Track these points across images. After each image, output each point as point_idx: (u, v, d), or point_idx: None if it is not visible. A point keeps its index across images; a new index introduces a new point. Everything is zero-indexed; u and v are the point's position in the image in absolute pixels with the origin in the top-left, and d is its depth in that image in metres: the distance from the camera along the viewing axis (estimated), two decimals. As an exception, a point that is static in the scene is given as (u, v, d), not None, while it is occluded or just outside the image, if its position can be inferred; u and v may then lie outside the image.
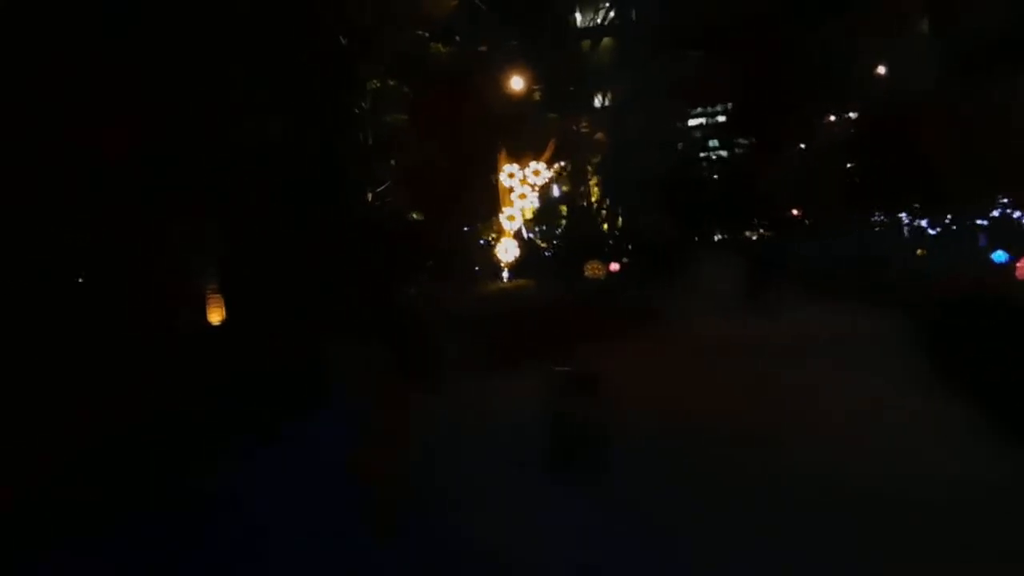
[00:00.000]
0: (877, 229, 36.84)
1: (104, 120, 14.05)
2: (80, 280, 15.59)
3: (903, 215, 36.98)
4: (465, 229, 21.40)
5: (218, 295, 16.29)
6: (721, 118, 78.47)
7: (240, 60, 17.29)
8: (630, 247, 32.80)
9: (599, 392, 8.46)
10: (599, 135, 30.67)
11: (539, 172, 19.91)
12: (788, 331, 14.50)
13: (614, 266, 26.12)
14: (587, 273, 23.73)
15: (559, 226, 31.80)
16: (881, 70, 33.56)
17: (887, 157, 33.95)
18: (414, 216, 21.05)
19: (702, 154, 63.97)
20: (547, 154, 20.66)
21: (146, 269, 14.71)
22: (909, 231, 36.70)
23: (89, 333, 11.66)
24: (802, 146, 55.54)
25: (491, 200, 20.53)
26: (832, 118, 47.85)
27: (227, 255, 16.44)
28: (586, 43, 33.48)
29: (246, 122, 17.48)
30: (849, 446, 7.86)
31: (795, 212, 55.22)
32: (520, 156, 20.24)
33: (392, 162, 20.32)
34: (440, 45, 21.34)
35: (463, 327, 13.93)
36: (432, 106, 20.36)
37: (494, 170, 20.33)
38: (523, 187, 19.92)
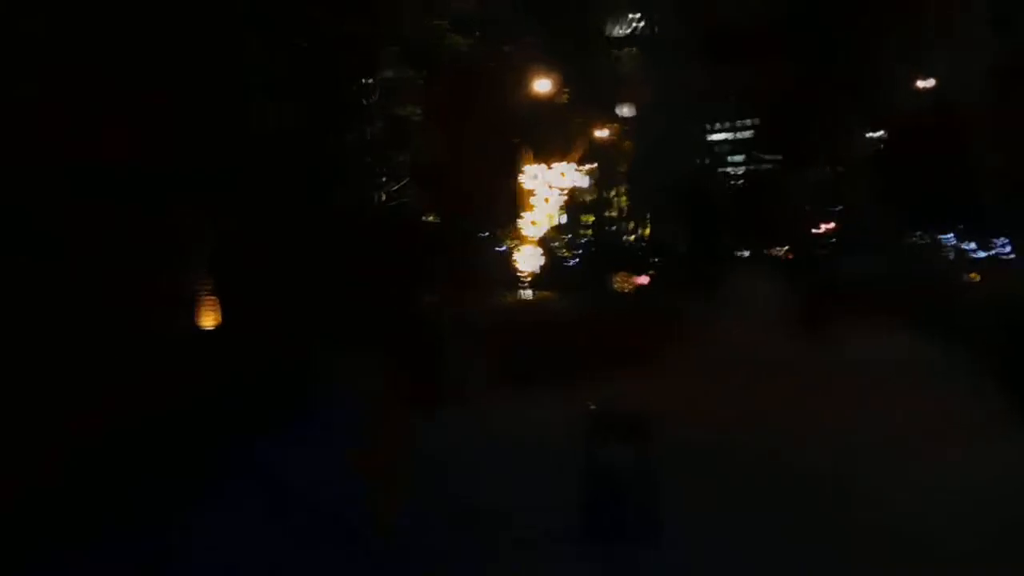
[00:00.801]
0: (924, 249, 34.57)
1: (86, 98, 12.69)
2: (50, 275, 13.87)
3: (948, 236, 34.78)
4: (483, 234, 19.52)
5: (211, 297, 14.69)
6: (746, 133, 77.54)
7: (240, 44, 15.66)
8: (655, 259, 31.20)
9: (646, 437, 6.60)
10: (627, 143, 29.22)
11: (565, 174, 18.00)
12: (853, 357, 12.67)
13: (642, 279, 24.17)
14: (615, 286, 21.84)
15: (583, 235, 29.85)
16: (925, 83, 31.99)
17: (930, 173, 32.12)
18: (428, 218, 19.19)
19: (729, 169, 63.51)
20: (575, 155, 18.76)
21: (127, 265, 13.17)
22: (954, 253, 34.50)
23: (54, 337, 9.90)
24: (833, 166, 53.81)
25: (512, 203, 18.65)
26: (871, 133, 45.98)
27: (222, 254, 14.84)
28: (614, 52, 32.04)
29: (245, 110, 15.83)
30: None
31: (824, 228, 53.54)
32: (545, 157, 18.35)
33: (405, 159, 18.49)
34: (459, 37, 19.49)
35: (480, 342, 12.08)
36: (449, 100, 18.53)
37: (516, 171, 18.45)
38: (548, 190, 18.02)
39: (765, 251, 68.27)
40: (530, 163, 18.12)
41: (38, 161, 11.28)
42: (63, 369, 8.89)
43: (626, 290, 22.09)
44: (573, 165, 18.19)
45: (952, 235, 35.18)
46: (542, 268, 18.47)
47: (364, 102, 18.22)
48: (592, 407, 6.95)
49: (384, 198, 18.45)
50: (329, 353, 11.09)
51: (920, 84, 31.14)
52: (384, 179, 18.82)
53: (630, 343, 13.23)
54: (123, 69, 12.47)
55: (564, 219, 21.33)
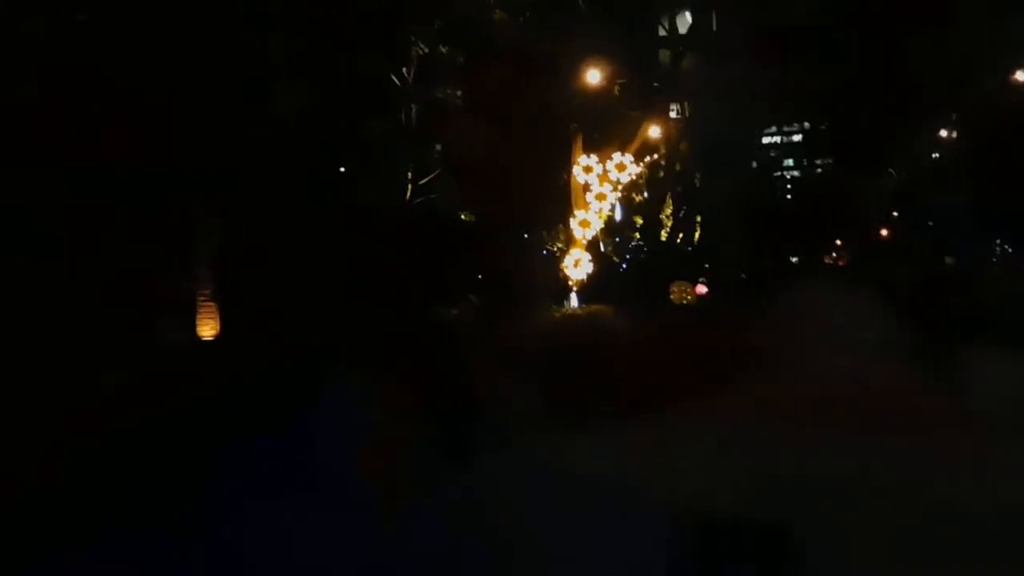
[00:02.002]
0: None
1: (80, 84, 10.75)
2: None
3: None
4: (526, 236, 16.97)
5: (212, 304, 12.60)
6: (797, 137, 75.93)
7: (249, 16, 13.37)
8: (707, 266, 28.86)
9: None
10: (682, 144, 27.24)
11: (624, 166, 15.32)
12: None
13: (701, 288, 21.45)
14: (673, 297, 19.13)
15: (631, 239, 27.17)
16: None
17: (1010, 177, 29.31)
18: (463, 217, 16.69)
19: (783, 173, 62.99)
20: (635, 144, 16.08)
21: (124, 268, 11.19)
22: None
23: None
24: (893, 170, 50.71)
25: (560, 200, 16.05)
26: (943, 133, 42.92)
27: (226, 256, 12.76)
28: (666, 53, 30.14)
29: (256, 94, 13.58)
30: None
31: (884, 233, 50.29)
32: (600, 146, 15.71)
33: (438, 148, 15.98)
34: (503, 12, 16.91)
35: (522, 366, 9.61)
36: (492, 82, 16.03)
37: (566, 163, 15.84)
38: (602, 185, 15.37)
39: (820, 258, 65.54)
40: (582, 153, 15.49)
41: (34, 160, 10.33)
42: (61, 368, 8.21)
43: (686, 301, 19.39)
44: (630, 157, 15.51)
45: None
46: (592, 275, 15.84)
47: (396, 83, 15.79)
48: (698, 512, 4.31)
49: (411, 193, 15.99)
50: (334, 366, 9.20)
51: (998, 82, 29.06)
52: (415, 172, 16.36)
53: (706, 369, 10.66)
54: (117, 59, 11.17)
55: (619, 218, 18.62)
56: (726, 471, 6.47)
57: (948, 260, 30.14)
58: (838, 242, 66.80)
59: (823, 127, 60.09)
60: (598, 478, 7.04)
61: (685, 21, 31.21)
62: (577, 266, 15.63)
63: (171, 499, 6.12)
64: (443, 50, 15.69)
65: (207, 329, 12.49)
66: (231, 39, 12.87)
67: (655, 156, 17.37)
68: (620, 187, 15.67)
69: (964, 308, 10.97)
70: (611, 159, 15.29)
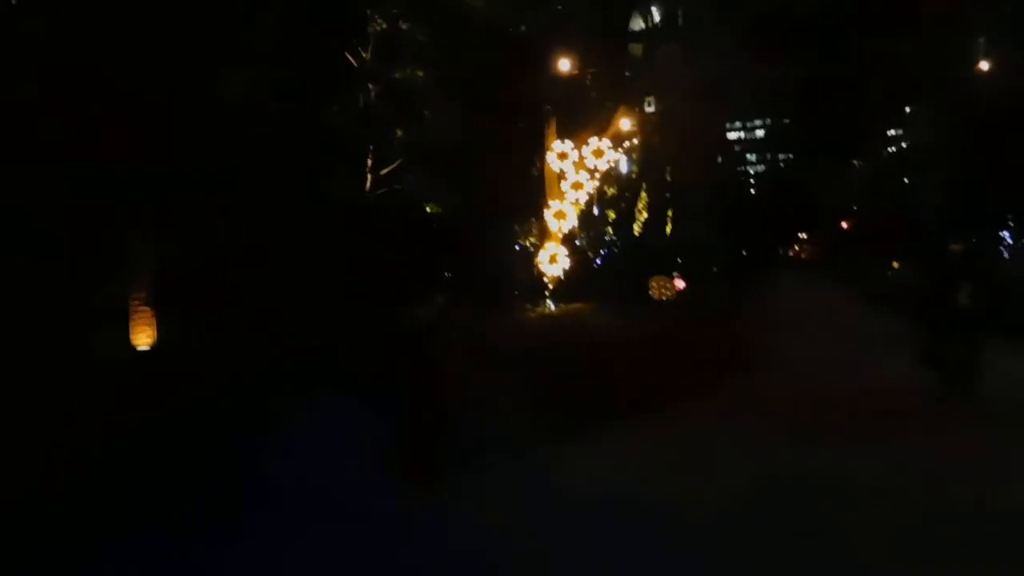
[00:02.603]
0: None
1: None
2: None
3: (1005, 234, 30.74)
4: (498, 230, 15.56)
5: (147, 310, 11.02)
6: (760, 132, 76.23)
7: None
8: (679, 260, 27.80)
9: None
10: (655, 136, 26.37)
11: (602, 152, 13.96)
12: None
13: (680, 283, 20.24)
14: (653, 292, 17.89)
15: (607, 233, 25.93)
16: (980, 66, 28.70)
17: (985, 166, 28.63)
18: (429, 209, 15.23)
19: (747, 168, 64.20)
20: (613, 128, 14.71)
21: (46, 272, 9.60)
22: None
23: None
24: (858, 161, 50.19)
25: (533, 190, 14.67)
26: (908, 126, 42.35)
27: (166, 256, 11.19)
28: (637, 47, 29.19)
29: (195, 75, 11.99)
30: None
31: (848, 225, 49.67)
32: (577, 132, 14.32)
33: (400, 134, 14.51)
34: (471, -12, 15.46)
35: (501, 371, 8.70)
36: (459, 62, 14.60)
37: (539, 150, 14.45)
38: (578, 173, 14.01)
39: (788, 250, 65.23)
40: (557, 139, 14.10)
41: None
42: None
43: (666, 297, 18.15)
44: (608, 142, 14.14)
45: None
46: (569, 272, 14.49)
47: (353, 63, 14.27)
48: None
49: (371, 184, 14.50)
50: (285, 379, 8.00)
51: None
52: (375, 160, 14.85)
53: (700, 368, 9.63)
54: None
55: (596, 211, 17.25)
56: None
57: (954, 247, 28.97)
58: (804, 235, 66.54)
59: (786, 121, 60.20)
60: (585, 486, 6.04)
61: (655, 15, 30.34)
62: (553, 262, 14.27)
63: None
64: (403, 26, 14.20)
65: (142, 338, 10.95)
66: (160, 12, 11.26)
67: (627, 147, 15.98)
68: (597, 175, 14.31)
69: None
70: (587, 144, 13.92)
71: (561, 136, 14.01)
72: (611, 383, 8.71)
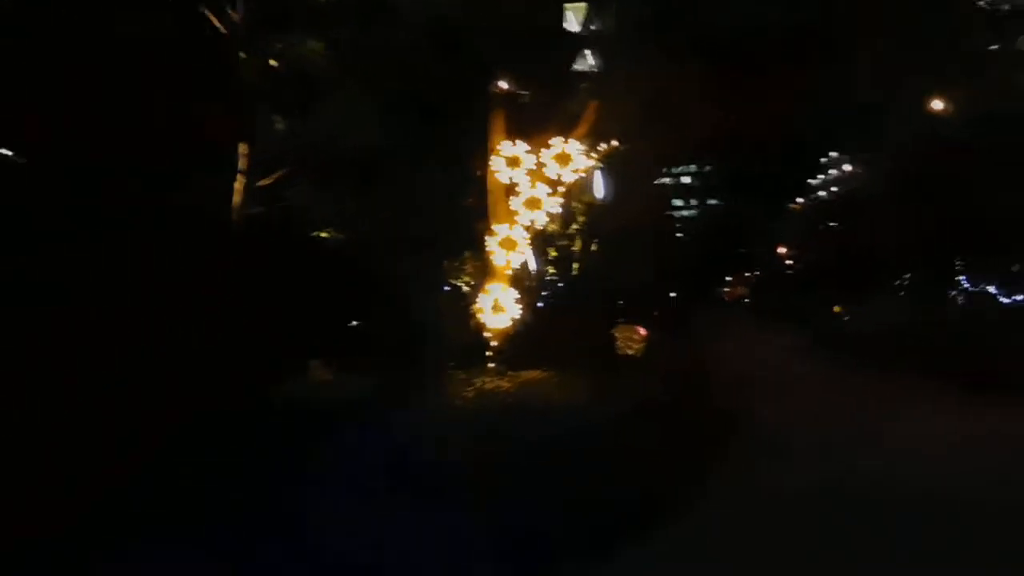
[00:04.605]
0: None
1: None
2: None
3: (962, 279, 27.80)
4: (420, 264, 11.00)
5: None
6: (686, 179, 75.67)
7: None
8: (621, 303, 24.20)
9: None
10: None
11: (568, 158, 9.50)
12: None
13: (643, 330, 16.04)
14: (620, 344, 13.70)
15: (547, 272, 21.66)
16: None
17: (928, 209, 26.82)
18: (324, 235, 10.62)
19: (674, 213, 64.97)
20: (585, 126, 10.32)
21: None
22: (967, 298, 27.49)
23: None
24: (799, 201, 48.04)
25: (472, 211, 10.20)
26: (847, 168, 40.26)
27: None
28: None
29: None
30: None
31: (789, 262, 47.26)
32: (533, 132, 9.91)
33: (284, 129, 9.90)
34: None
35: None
36: (370, 35, 10.18)
37: (481, 155, 10.01)
38: (535, 187, 9.55)
39: (723, 290, 63.36)
40: (503, 138, 9.65)
41: None
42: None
43: (634, 350, 13.92)
44: (578, 144, 9.72)
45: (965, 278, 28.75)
46: (520, 322, 10.03)
47: (216, 23, 9.64)
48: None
49: (243, 198, 9.83)
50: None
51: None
52: (252, 167, 10.21)
53: None
54: None
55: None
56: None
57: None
58: (741, 276, 64.58)
59: (712, 168, 59.23)
60: None
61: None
62: (497, 310, 9.75)
63: None
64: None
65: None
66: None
67: (605, 150, 11.56)
68: (566, 189, 9.90)
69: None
70: (549, 147, 9.54)
71: (513, 135, 9.66)
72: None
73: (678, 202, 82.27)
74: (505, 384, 8.44)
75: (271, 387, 7.17)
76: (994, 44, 37.80)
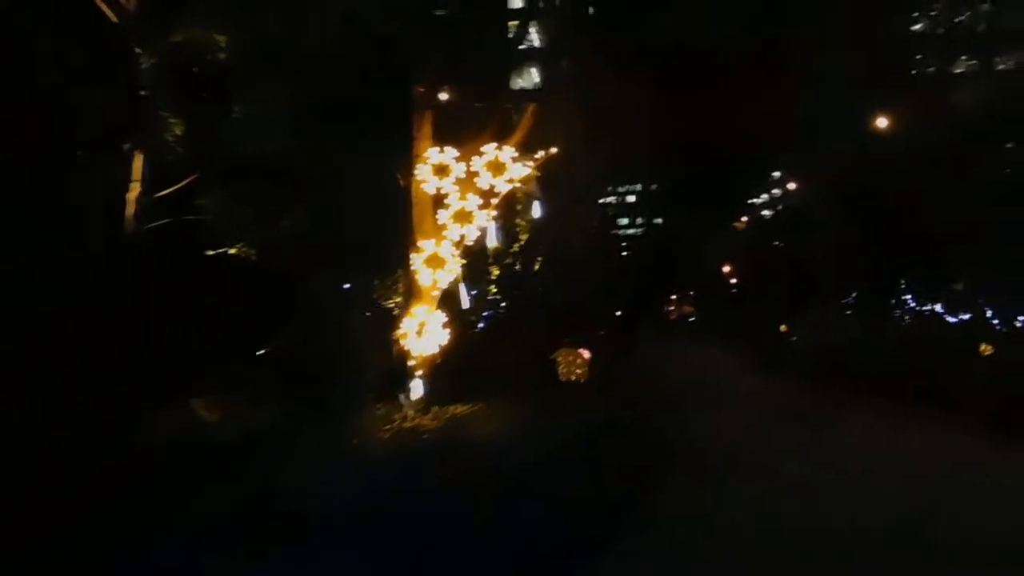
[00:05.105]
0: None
1: None
2: None
3: (908, 297, 27.51)
4: (339, 283, 9.82)
5: None
6: (631, 198, 76.20)
7: None
8: (564, 323, 23.26)
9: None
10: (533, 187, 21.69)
11: (503, 167, 8.39)
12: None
13: (587, 353, 15.03)
14: (561, 372, 12.65)
15: (489, 292, 20.56)
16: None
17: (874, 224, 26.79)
18: (234, 251, 9.40)
19: (625, 231, 65.77)
20: (522, 131, 9.22)
21: None
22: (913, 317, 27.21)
23: None
24: (743, 219, 47.96)
25: (395, 224, 9.07)
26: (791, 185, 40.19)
27: None
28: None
29: None
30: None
31: (733, 282, 46.97)
32: (466, 137, 8.81)
33: (178, 131, 8.66)
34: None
35: None
36: (284, 28, 9.04)
37: (405, 163, 8.90)
38: (465, 198, 8.44)
39: (667, 308, 63.17)
40: (432, 145, 8.54)
41: None
42: None
43: (576, 376, 12.90)
44: (512, 151, 8.62)
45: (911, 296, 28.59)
46: (448, 348, 8.92)
47: (106, 9, 8.39)
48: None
49: (139, 209, 8.59)
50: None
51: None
52: (152, 172, 8.95)
53: None
54: None
55: (474, 261, 11.49)
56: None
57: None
58: (685, 294, 64.42)
59: (657, 186, 59.52)
60: None
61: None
62: (423, 333, 8.63)
63: None
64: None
65: None
66: None
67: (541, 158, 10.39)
68: (501, 201, 8.80)
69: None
70: (481, 154, 8.47)
71: (441, 141, 8.56)
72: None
73: (623, 220, 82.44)
74: (427, 421, 7.32)
75: (136, 431, 5.95)
76: (931, 66, 38.36)
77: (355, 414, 7.36)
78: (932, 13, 34.98)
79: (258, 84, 9.13)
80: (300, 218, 9.35)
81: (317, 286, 9.12)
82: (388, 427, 7.10)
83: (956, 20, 36.66)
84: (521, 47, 17.31)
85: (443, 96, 9.29)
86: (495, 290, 21.70)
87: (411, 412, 7.78)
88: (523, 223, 22.99)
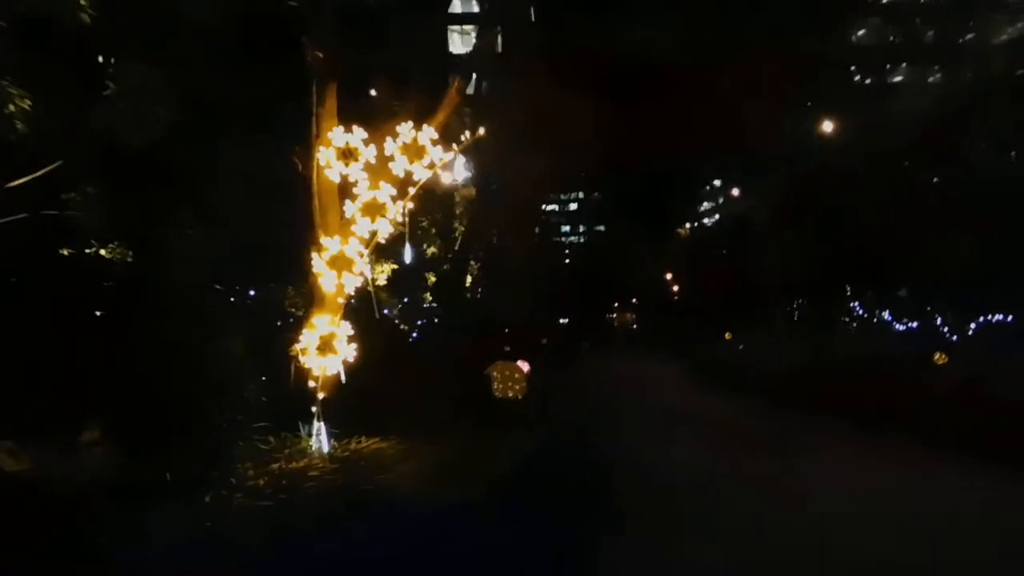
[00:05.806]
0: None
1: None
2: None
3: (855, 304, 26.83)
4: (231, 292, 8.21)
5: None
6: (573, 205, 75.95)
7: None
8: (507, 331, 22.22)
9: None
10: (471, 189, 20.89)
11: (422, 151, 6.96)
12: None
13: (525, 366, 13.56)
14: (497, 389, 11.21)
15: (425, 300, 19.04)
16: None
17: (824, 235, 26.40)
18: (106, 254, 7.74)
19: (568, 238, 66.53)
20: (445, 112, 7.74)
21: None
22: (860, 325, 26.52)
23: None
24: (686, 227, 47.45)
25: (292, 219, 7.53)
26: (735, 192, 39.75)
27: None
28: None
29: None
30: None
31: (675, 289, 46.24)
32: (377, 117, 7.31)
33: (27, 105, 7.02)
34: None
35: None
36: None
37: (305, 145, 7.38)
38: (376, 187, 6.98)
39: (611, 317, 62.35)
40: (336, 124, 7.02)
41: None
42: None
43: (514, 393, 11.47)
44: (432, 132, 7.13)
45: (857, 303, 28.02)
46: (357, 363, 7.38)
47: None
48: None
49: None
50: None
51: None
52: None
53: None
54: None
55: (409, 259, 9.88)
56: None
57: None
58: (621, 302, 63.67)
59: (599, 195, 59.21)
60: None
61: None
62: (327, 349, 7.08)
63: None
64: None
65: None
66: None
67: (467, 141, 8.88)
68: (412, 195, 7.27)
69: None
70: (396, 136, 6.99)
71: (347, 121, 7.06)
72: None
73: (566, 228, 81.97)
74: (317, 462, 5.79)
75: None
76: (868, 79, 38.41)
77: (229, 453, 5.79)
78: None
79: (125, 54, 7.53)
80: (183, 213, 7.74)
81: (200, 294, 7.50)
82: (266, 471, 5.54)
83: (891, 39, 37.06)
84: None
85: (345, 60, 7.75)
86: (430, 298, 20.20)
87: (309, 447, 6.24)
88: (461, 227, 21.65)
